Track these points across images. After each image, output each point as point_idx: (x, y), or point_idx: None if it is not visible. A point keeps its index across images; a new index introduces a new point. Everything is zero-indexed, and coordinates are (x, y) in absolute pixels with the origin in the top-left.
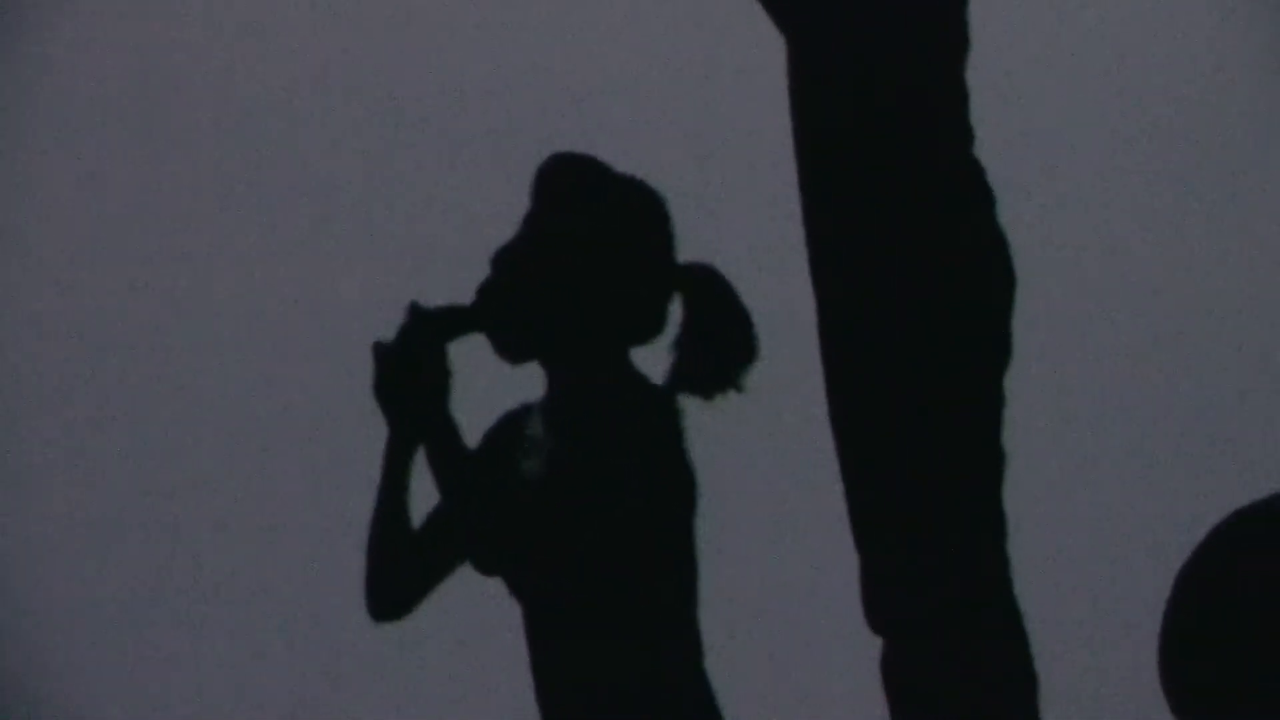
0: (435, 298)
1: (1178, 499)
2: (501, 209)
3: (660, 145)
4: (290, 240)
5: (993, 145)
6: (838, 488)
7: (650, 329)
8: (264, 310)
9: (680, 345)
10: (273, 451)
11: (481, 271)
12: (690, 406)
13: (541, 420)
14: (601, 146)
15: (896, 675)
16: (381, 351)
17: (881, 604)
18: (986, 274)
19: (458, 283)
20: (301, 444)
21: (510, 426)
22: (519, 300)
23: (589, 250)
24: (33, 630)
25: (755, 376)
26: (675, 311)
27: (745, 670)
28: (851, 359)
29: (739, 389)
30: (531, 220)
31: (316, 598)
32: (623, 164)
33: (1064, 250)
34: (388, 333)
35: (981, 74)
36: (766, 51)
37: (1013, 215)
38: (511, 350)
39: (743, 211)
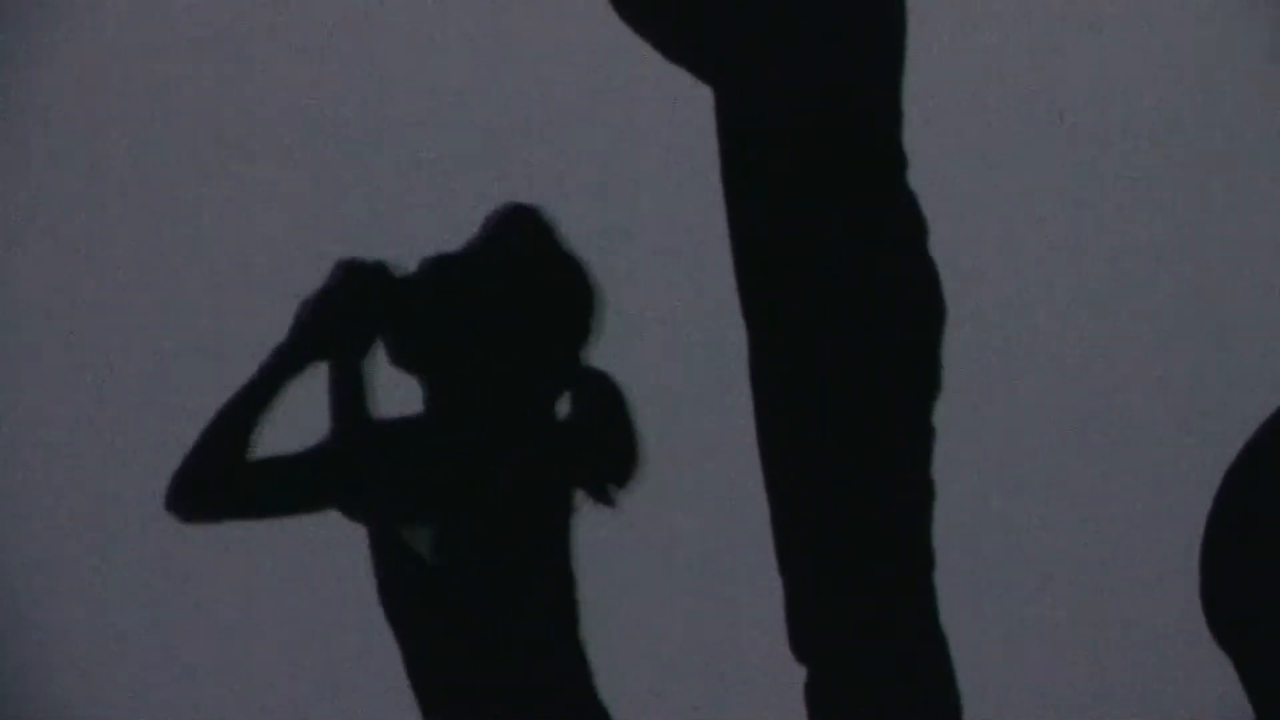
0: None
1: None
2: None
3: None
4: (289, 238)
5: (989, 147)
6: (762, 516)
7: (533, 408)
8: (263, 309)
9: (563, 443)
10: (273, 450)
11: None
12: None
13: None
14: (582, 149)
15: (820, 704)
16: (346, 272)
17: (806, 632)
18: (916, 305)
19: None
20: (303, 443)
21: (397, 428)
22: (435, 312)
23: (521, 307)
24: (32, 630)
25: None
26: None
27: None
28: (780, 390)
29: (609, 504)
30: (474, 250)
31: (317, 598)
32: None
33: (1063, 253)
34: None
35: (979, 75)
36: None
37: (1009, 220)
38: (403, 355)
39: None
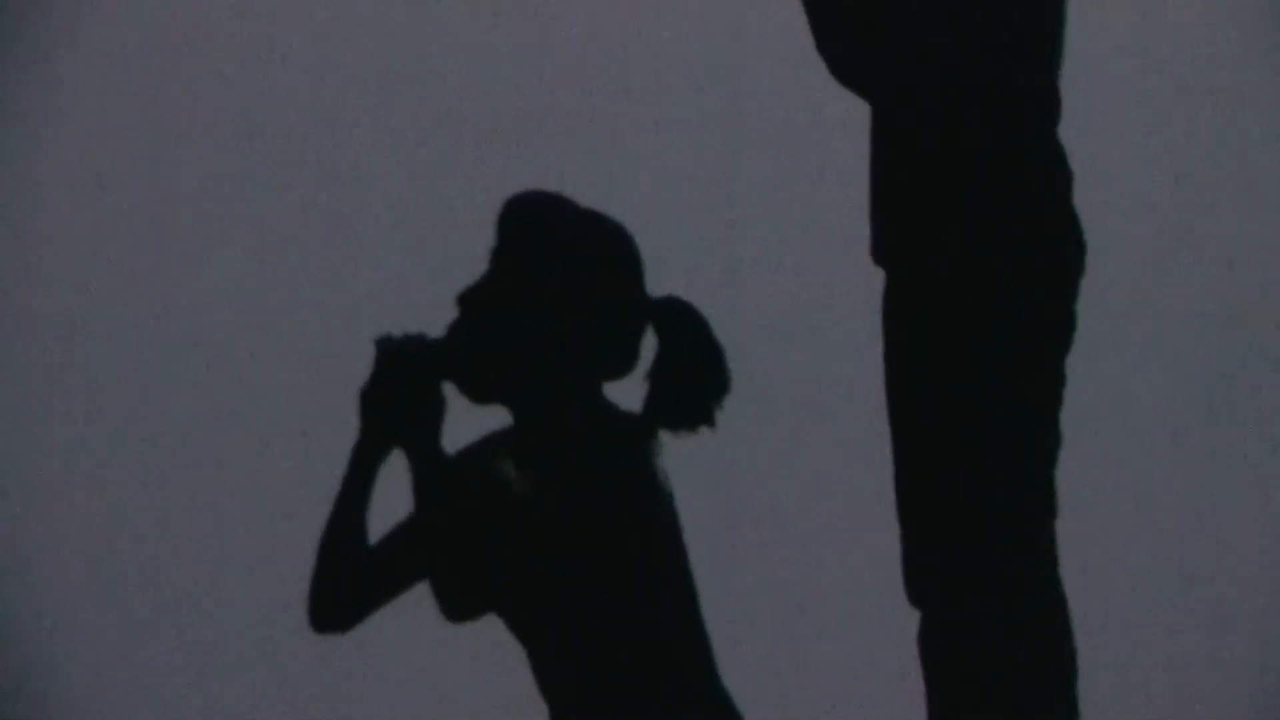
0: (441, 296)
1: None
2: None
3: (677, 134)
4: (292, 240)
5: None
6: (876, 462)
7: (621, 365)
8: (264, 311)
9: (653, 379)
10: (273, 451)
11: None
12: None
13: (512, 461)
14: (607, 143)
15: (934, 649)
16: (385, 354)
17: (923, 576)
18: (1057, 254)
19: (459, 283)
20: (304, 444)
21: (476, 460)
22: (486, 343)
23: (556, 290)
24: (32, 630)
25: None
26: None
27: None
28: (912, 332)
29: (711, 424)
30: (497, 259)
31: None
32: (631, 158)
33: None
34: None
35: None
36: (787, 37)
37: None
38: (478, 392)
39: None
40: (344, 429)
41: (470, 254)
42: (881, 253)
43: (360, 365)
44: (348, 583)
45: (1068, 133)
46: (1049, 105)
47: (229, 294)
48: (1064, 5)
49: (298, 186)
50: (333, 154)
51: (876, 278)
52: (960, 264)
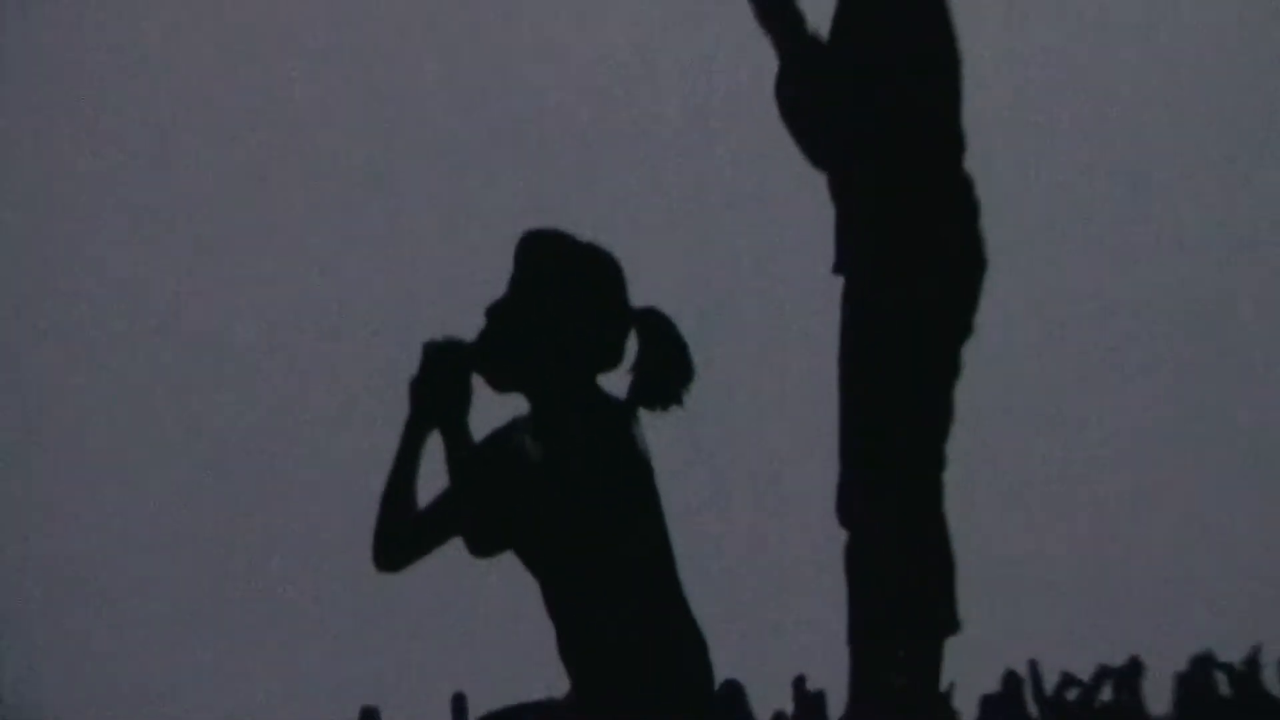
0: (437, 295)
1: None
2: (501, 209)
3: (657, 149)
4: (293, 240)
5: (1005, 144)
6: (817, 425)
7: (610, 361)
8: (272, 313)
9: (635, 371)
10: (279, 451)
11: (481, 271)
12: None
13: (528, 433)
14: (600, 152)
15: (855, 559)
16: (429, 354)
17: (851, 506)
18: (963, 269)
19: (457, 282)
20: (306, 444)
21: (502, 437)
22: (506, 345)
23: (559, 305)
24: (40, 631)
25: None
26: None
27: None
28: (859, 333)
29: (681, 405)
30: (514, 280)
31: (321, 598)
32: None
33: (1065, 247)
34: (390, 335)
35: (990, 74)
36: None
37: (1021, 213)
38: (500, 382)
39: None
40: (347, 428)
41: (464, 257)
42: (842, 268)
43: (365, 372)
44: (400, 532)
45: (1069, 135)
46: (956, 147)
47: (235, 297)
48: (960, 75)
49: (297, 189)
50: (333, 155)
51: (827, 285)
52: (896, 276)
